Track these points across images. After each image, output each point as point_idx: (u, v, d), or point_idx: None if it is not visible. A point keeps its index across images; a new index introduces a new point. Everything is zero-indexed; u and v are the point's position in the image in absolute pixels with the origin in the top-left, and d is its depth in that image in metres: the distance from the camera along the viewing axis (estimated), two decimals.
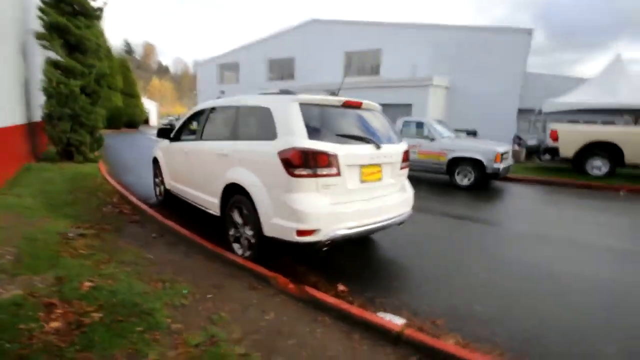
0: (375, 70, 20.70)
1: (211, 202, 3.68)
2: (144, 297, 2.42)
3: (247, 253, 3.17)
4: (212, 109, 4.03)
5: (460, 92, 17.59)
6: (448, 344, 2.00)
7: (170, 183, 4.93)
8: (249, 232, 3.11)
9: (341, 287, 2.86)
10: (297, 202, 2.66)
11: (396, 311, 2.55)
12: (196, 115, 4.62)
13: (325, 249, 2.84)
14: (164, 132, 4.86)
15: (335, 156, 2.75)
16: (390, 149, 3.23)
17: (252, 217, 2.98)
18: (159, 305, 2.33)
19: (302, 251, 3.48)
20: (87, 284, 2.60)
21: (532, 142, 16.71)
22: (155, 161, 5.52)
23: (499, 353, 2.07)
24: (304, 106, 2.89)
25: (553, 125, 9.79)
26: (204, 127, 4.05)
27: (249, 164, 3.05)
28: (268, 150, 2.85)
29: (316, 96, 3.02)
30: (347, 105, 3.15)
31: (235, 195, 3.26)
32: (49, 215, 4.40)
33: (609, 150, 8.54)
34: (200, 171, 3.91)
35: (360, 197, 2.98)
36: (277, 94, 3.20)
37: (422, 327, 2.31)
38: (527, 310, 2.60)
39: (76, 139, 8.27)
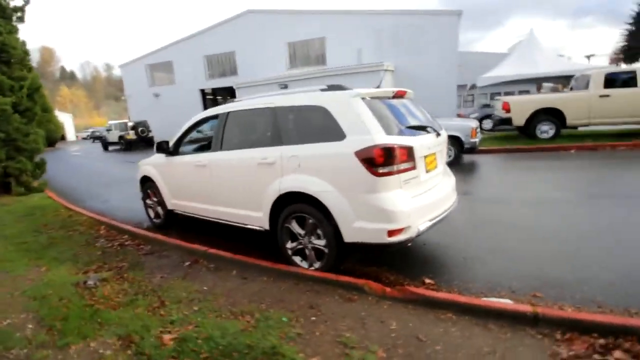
0: (321, 59, 20.66)
1: (253, 217, 3.34)
2: (249, 336, 2.12)
3: (317, 264, 2.96)
4: (230, 114, 3.62)
5: (404, 74, 18.37)
6: (590, 314, 2.08)
7: (174, 203, 4.38)
8: (318, 241, 2.89)
9: (428, 280, 2.82)
10: (385, 202, 2.53)
11: (493, 293, 2.60)
12: (199, 124, 4.13)
13: (409, 245, 2.76)
14: (161, 146, 4.27)
15: (412, 149, 2.66)
16: (444, 135, 3.23)
17: (325, 225, 2.77)
18: (277, 342, 2.05)
19: (378, 252, 3.31)
20: (167, 337, 2.19)
21: (474, 115, 18.30)
22: (145, 180, 4.85)
23: (635, 312, 2.19)
24: (365, 101, 2.74)
25: (504, 98, 10.77)
26: (222, 135, 3.63)
27: (311, 169, 2.80)
28: (339, 151, 2.65)
29: (370, 89, 2.88)
30: (397, 95, 3.06)
31: (290, 205, 2.99)
32: (38, 264, 3.64)
33: (554, 115, 9.69)
34: (230, 185, 3.52)
35: (427, 187, 2.94)
36: (325, 90, 2.98)
37: (532, 303, 2.38)
38: (591, 265, 2.83)
39: (15, 167, 6.93)
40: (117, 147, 21.40)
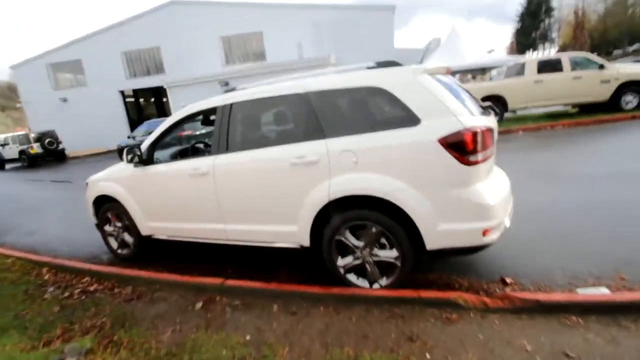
0: (260, 55, 19.66)
1: (283, 233, 2.66)
2: None
3: (383, 281, 2.42)
4: (234, 107, 2.84)
5: None
6: None
7: (154, 227, 3.40)
8: (385, 253, 2.35)
9: (509, 279, 2.49)
10: (478, 196, 2.10)
11: (580, 282, 2.37)
12: (184, 122, 3.23)
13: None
14: (133, 154, 3.23)
15: (493, 131, 2.28)
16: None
17: (397, 233, 2.25)
18: None
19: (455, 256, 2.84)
20: None
21: None
22: (102, 201, 3.73)
23: None
24: (433, 77, 2.28)
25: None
26: (227, 133, 2.84)
27: (375, 165, 2.24)
28: (416, 139, 2.13)
29: (427, 65, 2.42)
30: (448, 72, 2.65)
31: (344, 213, 2.39)
32: None
33: (498, 100, 10.46)
34: (246, 196, 2.75)
35: (493, 177, 2.61)
36: (378, 67, 2.43)
37: (632, 288, 2.20)
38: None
39: None
40: (18, 164, 17.64)
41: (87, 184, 3.93)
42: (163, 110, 27.75)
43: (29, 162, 17.01)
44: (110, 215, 3.73)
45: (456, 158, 2.06)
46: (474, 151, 2.06)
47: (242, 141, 2.85)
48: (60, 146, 17.87)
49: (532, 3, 49.26)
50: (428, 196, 2.15)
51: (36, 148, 17.03)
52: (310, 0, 18.81)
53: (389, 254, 2.34)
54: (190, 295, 2.75)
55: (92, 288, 3.10)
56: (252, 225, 2.81)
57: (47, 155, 17.39)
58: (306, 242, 2.58)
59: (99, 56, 20.38)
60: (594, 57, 10.07)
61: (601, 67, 9.50)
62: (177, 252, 3.83)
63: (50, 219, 6.04)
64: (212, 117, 3.73)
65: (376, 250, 2.39)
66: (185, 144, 4.01)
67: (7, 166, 17.90)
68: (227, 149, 2.84)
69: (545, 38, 50.32)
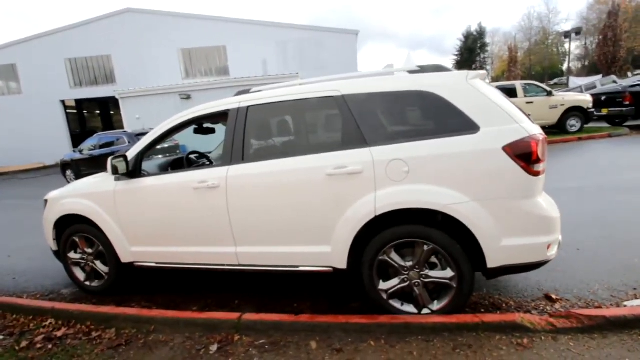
0: (223, 70, 19.08)
1: (314, 255, 2.30)
2: None
3: (434, 305, 2.16)
4: (251, 110, 2.48)
5: None
6: None
7: (138, 252, 2.82)
8: (439, 274, 2.11)
9: (554, 296, 2.38)
10: (543, 208, 1.97)
11: (621, 295, 2.33)
12: (182, 127, 2.78)
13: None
14: (118, 165, 2.66)
15: (546, 140, 2.20)
16: None
17: (454, 250, 2.02)
18: None
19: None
20: None
21: None
22: (65, 223, 3.06)
23: None
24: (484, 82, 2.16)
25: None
26: (243, 141, 2.45)
27: (430, 175, 2.01)
28: (478, 147, 1.96)
29: (473, 71, 2.30)
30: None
31: (390, 230, 2.13)
32: None
33: None
34: (267, 213, 2.36)
35: None
36: (423, 71, 2.26)
37: None
38: None
39: None
40: None
41: (45, 201, 3.22)
42: (110, 123, 25.57)
43: None
44: (77, 240, 3.06)
45: (523, 167, 1.92)
46: (538, 160, 1.94)
47: (262, 149, 2.49)
48: None
49: (469, 39, 54.72)
50: (491, 209, 1.97)
51: None
52: (275, 19, 18.84)
53: (443, 275, 2.10)
54: (200, 336, 2.24)
55: (59, 333, 2.42)
56: (272, 247, 2.41)
57: None
58: (342, 264, 2.25)
59: (38, 62, 18.30)
60: (542, 85, 11.18)
61: (549, 94, 10.53)
62: (160, 283, 3.24)
63: None
64: (208, 125, 3.36)
65: (427, 271, 2.14)
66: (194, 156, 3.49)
67: None
68: (243, 158, 2.45)
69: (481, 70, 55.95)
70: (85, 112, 25.45)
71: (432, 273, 2.13)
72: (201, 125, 3.24)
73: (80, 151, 11.32)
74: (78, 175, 10.39)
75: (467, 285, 2.07)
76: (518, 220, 1.97)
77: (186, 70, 19.16)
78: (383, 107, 2.22)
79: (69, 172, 11.27)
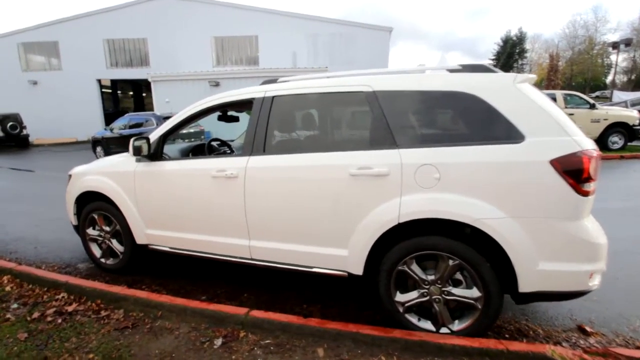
0: (253, 60, 19.17)
1: (330, 257, 2.19)
2: None
3: (455, 325, 2.00)
4: (276, 100, 2.38)
5: None
6: None
7: (154, 235, 2.80)
8: (465, 292, 1.94)
9: (589, 329, 2.16)
10: (589, 232, 1.76)
11: None
12: (206, 113, 2.72)
13: None
14: (140, 146, 2.64)
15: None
16: None
17: (483, 268, 1.85)
18: None
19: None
20: None
21: None
22: (86, 199, 3.09)
23: None
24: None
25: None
26: (265, 132, 2.36)
27: (463, 184, 1.85)
28: (521, 158, 1.77)
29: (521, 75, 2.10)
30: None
31: (413, 239, 1.98)
32: None
33: None
34: (285, 207, 2.26)
35: None
36: (464, 70, 2.08)
37: None
38: None
39: None
40: None
41: (69, 176, 3.27)
42: (141, 105, 26.34)
43: None
44: (96, 217, 3.09)
45: (571, 185, 1.72)
46: (589, 178, 1.73)
47: (285, 142, 2.39)
48: (24, 132, 16.27)
49: (507, 44, 52.48)
50: (529, 228, 1.78)
51: None
52: (308, 12, 18.69)
53: (468, 294, 1.94)
54: (205, 328, 2.18)
55: (70, 308, 2.44)
56: (286, 244, 2.32)
57: (8, 140, 15.74)
58: (358, 270, 2.13)
59: (79, 41, 19.02)
60: (585, 96, 10.49)
61: (592, 106, 9.86)
62: (173, 267, 3.23)
63: (9, 214, 5.15)
64: (232, 113, 3.30)
65: (450, 288, 1.98)
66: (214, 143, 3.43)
67: None
68: (264, 150, 2.35)
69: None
70: (119, 92, 26.34)
71: (455, 290, 1.97)
72: (225, 112, 3.19)
73: (111, 129, 11.70)
74: (107, 153, 10.73)
75: (493, 308, 1.90)
76: (559, 243, 1.77)
77: (217, 57, 19.38)
78: (417, 107, 2.06)
79: (98, 149, 11.67)
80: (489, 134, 1.87)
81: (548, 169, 1.73)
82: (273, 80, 2.55)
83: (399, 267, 2.03)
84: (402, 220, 1.94)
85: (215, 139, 3.48)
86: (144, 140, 2.67)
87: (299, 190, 2.21)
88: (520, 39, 52.33)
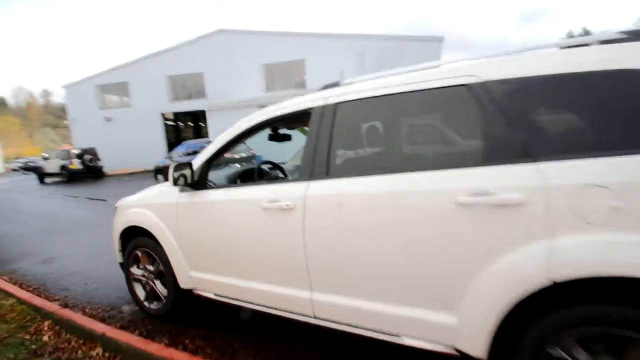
0: (301, 84, 19.45)
1: (430, 324, 1.51)
2: None
3: None
4: (341, 108, 1.83)
5: None
6: None
7: (198, 279, 2.36)
8: None
9: None
10: None
11: None
12: (252, 132, 2.28)
13: None
14: (181, 174, 2.26)
15: None
16: None
17: None
18: None
19: None
20: None
21: None
22: (131, 234, 2.78)
23: None
24: None
25: None
26: (329, 149, 1.81)
27: None
28: None
29: None
30: None
31: (574, 309, 1.24)
32: None
33: None
34: (361, 250, 1.66)
35: None
36: (625, 39, 1.36)
37: None
38: None
39: None
40: (57, 179, 17.80)
41: (116, 208, 3.02)
42: (200, 134, 28.10)
43: (68, 177, 17.09)
44: (140, 255, 2.76)
45: None
46: None
47: (355, 162, 1.82)
48: (99, 164, 17.99)
49: None
50: None
51: (76, 164, 17.15)
52: (354, 30, 18.59)
53: None
54: None
55: None
56: (362, 300, 1.69)
57: (87, 172, 17.47)
58: (476, 349, 1.41)
59: (145, 80, 21.00)
60: None
61: None
62: (223, 312, 2.75)
63: (73, 244, 5.23)
64: (284, 131, 2.84)
65: None
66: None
67: (48, 180, 18.11)
68: (328, 172, 1.80)
69: None
70: (180, 123, 28.51)
71: None
72: (277, 130, 2.74)
73: (171, 158, 12.28)
74: (167, 180, 11.19)
75: None
76: None
77: (267, 84, 19.99)
78: (560, 98, 1.36)
79: (160, 177, 12.27)
80: None
81: None
82: (335, 84, 2.02)
83: (550, 350, 1.29)
84: (556, 279, 1.21)
85: (267, 162, 3.04)
86: (186, 167, 2.29)
87: (378, 226, 1.60)
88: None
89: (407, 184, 1.54)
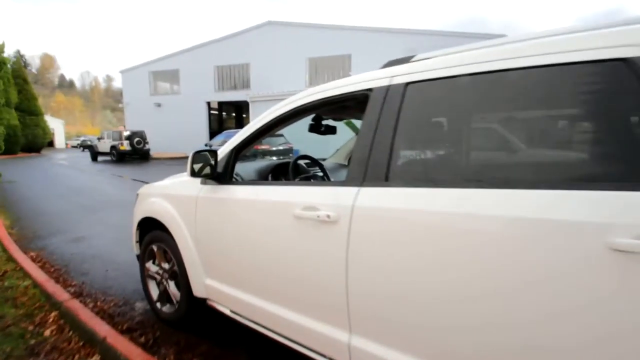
0: (345, 77, 18.92)
1: None
2: None
3: None
4: (410, 89, 1.33)
5: None
6: None
7: (213, 287, 1.98)
8: None
9: None
10: None
11: None
12: (292, 116, 1.83)
13: None
14: (205, 162, 1.89)
15: None
16: None
17: None
18: None
19: None
20: None
21: None
22: (149, 225, 2.47)
23: None
24: None
25: None
26: (391, 147, 1.32)
27: None
28: None
29: None
30: None
31: None
32: None
33: None
34: (431, 286, 1.17)
35: None
36: None
37: None
38: None
39: None
40: (108, 158, 18.88)
41: (137, 195, 2.75)
42: (241, 125, 28.60)
43: (117, 157, 18.05)
44: (155, 249, 2.45)
45: None
46: None
47: (428, 165, 1.31)
48: (147, 146, 18.80)
49: None
50: None
51: (125, 145, 18.06)
52: (404, 25, 17.66)
53: None
54: None
55: None
56: (426, 355, 1.19)
57: (134, 153, 18.34)
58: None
59: (194, 68, 21.59)
60: None
61: None
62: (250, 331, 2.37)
63: (105, 225, 5.18)
64: (329, 122, 2.39)
65: None
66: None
67: (100, 158, 19.28)
68: (387, 177, 1.31)
69: None
70: (223, 113, 29.19)
71: None
72: (319, 119, 2.29)
73: (210, 146, 12.37)
74: None
75: None
76: None
77: (310, 78, 19.68)
78: None
79: None
80: None
81: None
82: (405, 59, 1.51)
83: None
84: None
85: (304, 156, 2.60)
86: (210, 156, 1.91)
87: (464, 258, 1.09)
88: None
89: (508, 204, 1.00)
